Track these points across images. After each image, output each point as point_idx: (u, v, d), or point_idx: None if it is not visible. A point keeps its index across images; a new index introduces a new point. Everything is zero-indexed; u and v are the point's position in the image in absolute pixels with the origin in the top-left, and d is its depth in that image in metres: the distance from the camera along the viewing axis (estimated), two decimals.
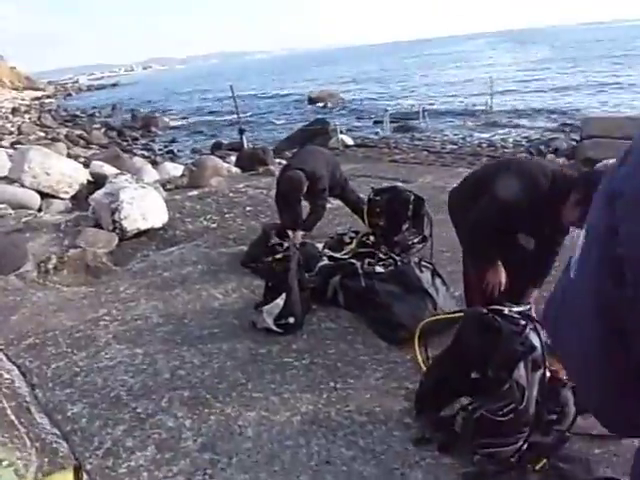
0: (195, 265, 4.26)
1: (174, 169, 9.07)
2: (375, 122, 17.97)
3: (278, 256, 3.05)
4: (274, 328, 3.04)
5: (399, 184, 4.08)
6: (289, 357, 2.87)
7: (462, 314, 2.33)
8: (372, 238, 3.97)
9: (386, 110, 13.38)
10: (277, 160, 10.66)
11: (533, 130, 13.85)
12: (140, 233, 4.93)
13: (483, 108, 16.69)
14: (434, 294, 3.04)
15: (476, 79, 27.71)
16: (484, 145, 11.58)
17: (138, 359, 2.95)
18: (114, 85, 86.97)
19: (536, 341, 2.10)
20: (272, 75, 63.42)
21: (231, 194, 6.63)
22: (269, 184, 7.19)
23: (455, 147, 11.67)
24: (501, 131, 14.10)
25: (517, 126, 14.61)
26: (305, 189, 4.11)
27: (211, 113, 29.77)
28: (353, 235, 4.38)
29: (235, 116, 12.08)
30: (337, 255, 3.70)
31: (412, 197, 3.94)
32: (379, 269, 3.35)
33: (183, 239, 4.93)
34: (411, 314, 2.94)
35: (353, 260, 3.39)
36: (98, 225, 4.97)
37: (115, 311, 3.56)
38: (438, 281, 3.16)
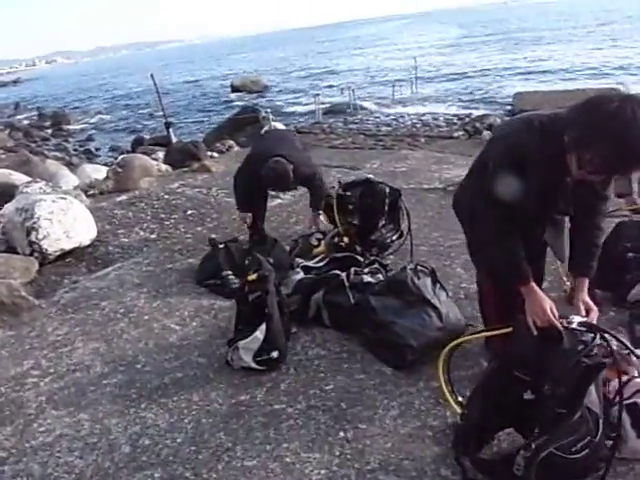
0: (139, 289, 3.54)
1: (95, 171, 8.03)
2: (302, 105, 17.41)
3: (252, 277, 2.45)
4: (254, 366, 2.45)
5: (370, 175, 3.58)
6: (280, 402, 2.30)
7: (510, 329, 1.87)
8: (345, 239, 3.45)
9: (317, 95, 12.85)
10: (209, 153, 9.87)
11: (461, 108, 13.87)
12: (65, 254, 4.09)
13: (409, 89, 16.56)
14: (437, 304, 2.57)
15: (398, 60, 27.80)
16: (418, 125, 11.35)
17: (84, 429, 2.25)
18: (15, 82, 79.79)
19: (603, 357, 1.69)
20: (189, 64, 60.63)
21: (167, 196, 5.85)
22: (208, 182, 6.47)
23: (390, 129, 11.38)
24: (430, 110, 13.99)
25: (445, 105, 14.59)
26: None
27: (127, 107, 27.83)
28: (320, 236, 3.85)
29: (156, 109, 11.07)
30: (312, 264, 3.15)
31: (387, 189, 3.45)
32: (367, 278, 2.84)
33: (119, 256, 4.15)
34: (416, 331, 2.45)
35: (337, 271, 2.85)
36: (11, 249, 4.08)
37: (45, 362, 2.79)
38: (437, 287, 2.69)
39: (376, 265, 2.97)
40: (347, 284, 2.76)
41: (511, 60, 24.30)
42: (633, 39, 26.57)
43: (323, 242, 3.76)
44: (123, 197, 5.91)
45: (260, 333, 2.40)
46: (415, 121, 11.96)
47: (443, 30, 55.71)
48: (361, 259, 3.13)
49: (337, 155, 8.11)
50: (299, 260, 3.19)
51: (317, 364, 2.55)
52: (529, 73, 19.07)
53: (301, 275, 2.95)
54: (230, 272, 3.35)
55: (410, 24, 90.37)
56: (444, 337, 2.53)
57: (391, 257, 3.63)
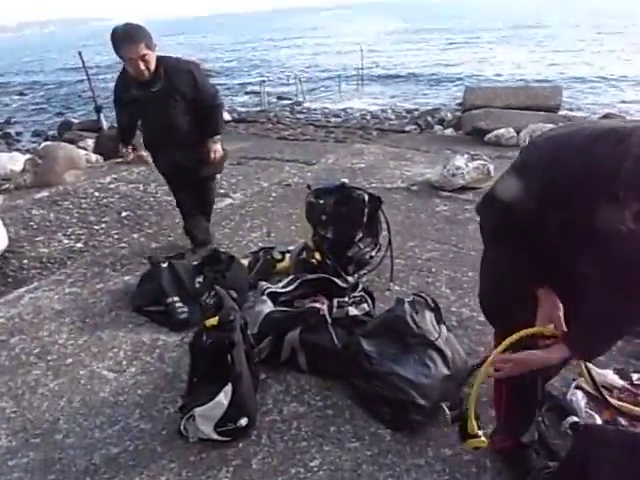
0: (60, 318, 2.80)
1: (11, 161, 6.89)
2: (246, 93, 16.52)
3: (212, 322, 1.83)
4: (216, 437, 1.85)
5: (345, 180, 3.03)
6: None
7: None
8: (317, 255, 2.88)
9: (263, 81, 12.08)
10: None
11: (410, 102, 13.57)
12: None
13: (355, 80, 16.09)
14: (442, 345, 2.08)
15: (343, 52, 27.29)
16: (368, 117, 10.92)
17: None
18: None
19: None
20: None
21: (97, 194, 5.02)
22: (145, 176, 5.66)
23: (339, 120, 10.86)
24: (378, 102, 13.60)
25: (393, 97, 14.25)
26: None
27: (54, 87, 25.54)
28: (284, 250, 3.26)
29: (86, 89, 9.92)
30: (280, 289, 2.56)
31: (366, 197, 2.90)
32: (353, 311, 2.30)
33: (36, 273, 3.35)
34: (422, 385, 1.95)
35: (316, 304, 2.27)
36: None
37: None
38: (439, 322, 2.20)
39: (360, 291, 2.43)
40: (329, 320, 2.20)
41: (461, 54, 24.39)
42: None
43: (288, 256, 3.18)
44: (44, 194, 5.03)
45: (224, 397, 1.79)
46: (364, 113, 11.51)
47: (387, 22, 55.72)
48: (340, 282, 2.58)
49: (288, 148, 7.49)
50: (263, 284, 2.59)
51: (296, 427, 1.98)
52: (479, 70, 19.15)
53: (269, 305, 2.36)
54: (177, 298, 2.70)
55: (352, 14, 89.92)
56: (451, 387, 2.04)
57: (367, 274, 3.11)
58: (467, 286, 3.13)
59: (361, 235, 2.93)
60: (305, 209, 2.94)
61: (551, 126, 7.72)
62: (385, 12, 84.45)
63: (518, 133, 7.68)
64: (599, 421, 1.97)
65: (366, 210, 2.88)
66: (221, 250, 3.16)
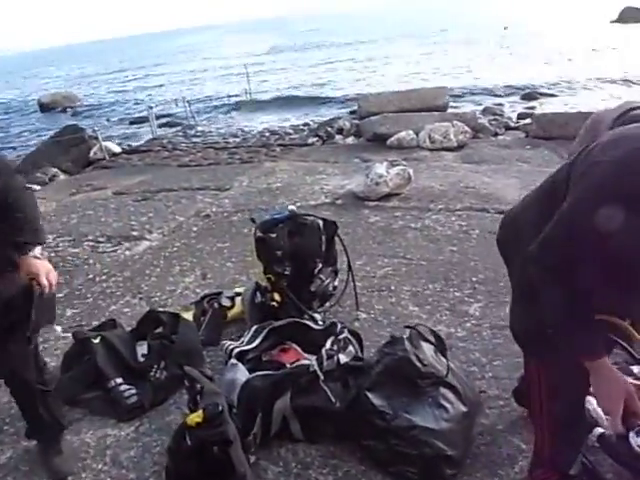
0: None
1: None
2: (131, 122, 15.48)
3: (195, 418, 1.41)
4: None
5: (292, 207, 2.69)
6: None
7: None
8: (276, 296, 2.52)
9: (150, 107, 11.27)
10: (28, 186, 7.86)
11: (305, 114, 13.50)
12: None
13: (243, 97, 15.73)
14: (452, 380, 1.83)
15: (226, 70, 26.75)
16: (267, 134, 10.64)
17: None
18: None
19: None
20: None
21: None
22: None
23: (239, 140, 10.46)
24: (273, 117, 13.36)
25: (287, 112, 14.10)
26: None
27: None
28: (231, 294, 2.85)
29: None
30: (246, 346, 2.16)
31: (321, 223, 2.60)
32: (343, 359, 1.97)
33: None
34: (445, 431, 1.68)
35: (305, 360, 1.92)
36: None
37: None
38: (438, 353, 1.95)
39: (343, 333, 2.11)
40: (322, 377, 1.86)
41: (349, 65, 24.87)
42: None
43: (238, 300, 2.78)
44: None
45: None
46: (262, 130, 11.20)
47: (261, 39, 55.95)
48: (313, 325, 2.25)
49: (194, 175, 6.96)
50: (227, 343, 2.17)
51: None
52: (364, 79, 19.65)
53: (242, 371, 1.95)
54: (120, 379, 2.19)
55: (226, 34, 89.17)
56: (471, 424, 1.81)
57: (332, 306, 2.80)
58: (432, 300, 2.95)
59: (321, 266, 2.62)
60: (255, 246, 2.57)
61: (447, 124, 8.00)
62: (257, 30, 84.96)
63: (417, 134, 7.86)
64: None
65: (323, 238, 2.58)
66: (158, 310, 2.67)
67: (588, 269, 1.09)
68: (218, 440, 1.37)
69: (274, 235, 2.49)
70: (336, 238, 2.70)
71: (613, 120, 2.46)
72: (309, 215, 2.64)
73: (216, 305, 2.72)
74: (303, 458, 1.83)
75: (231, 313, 2.73)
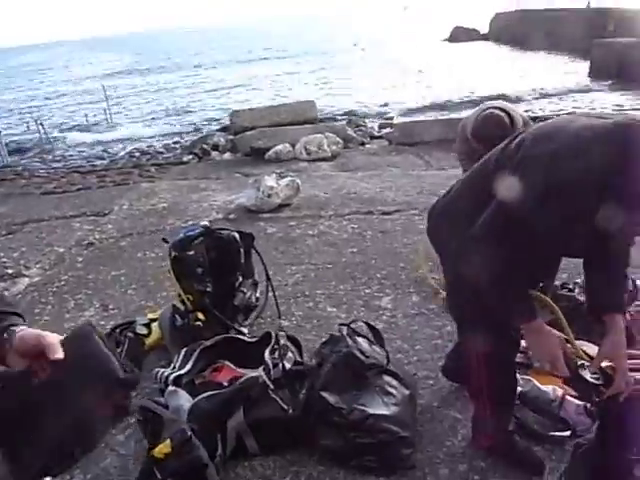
0: None
1: None
2: None
3: (164, 449, 1.30)
4: None
5: (206, 222, 2.60)
6: None
7: None
8: (200, 315, 2.43)
9: None
10: None
11: (175, 133, 13.03)
12: None
13: (102, 118, 14.72)
14: (392, 367, 1.94)
15: (80, 88, 24.68)
16: (137, 154, 10.11)
17: None
18: None
19: None
20: None
21: None
22: None
23: (106, 162, 9.78)
24: (140, 137, 12.69)
25: (154, 130, 13.48)
26: None
27: None
28: (146, 321, 2.68)
29: None
30: (179, 370, 2.04)
31: (237, 235, 2.57)
32: (287, 365, 1.97)
33: None
34: (399, 414, 1.78)
35: (254, 373, 1.87)
36: None
37: None
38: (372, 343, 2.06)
39: (282, 340, 2.11)
40: (271, 386, 1.84)
41: (214, 85, 24.39)
42: None
43: (155, 326, 2.62)
44: None
45: None
46: (130, 150, 10.58)
47: (117, 57, 52.63)
48: (246, 338, 2.22)
49: (64, 202, 6.34)
50: (160, 370, 2.04)
51: None
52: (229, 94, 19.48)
53: (184, 396, 1.85)
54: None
55: (76, 51, 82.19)
56: (414, 406, 1.94)
57: (256, 318, 2.77)
58: (346, 299, 3.07)
59: (241, 279, 2.59)
60: (171, 267, 2.44)
61: (320, 136, 8.34)
62: (104, 48, 79.95)
63: (293, 147, 8.08)
64: None
65: (242, 250, 2.55)
66: None
67: (521, 246, 1.25)
68: (195, 466, 1.30)
69: (191, 252, 2.40)
70: (253, 250, 2.68)
71: (475, 119, 2.81)
72: (224, 229, 2.59)
73: (131, 335, 2.53)
74: (263, 472, 1.79)
75: (149, 341, 2.56)
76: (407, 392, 1.89)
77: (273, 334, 2.17)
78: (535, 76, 17.72)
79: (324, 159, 7.75)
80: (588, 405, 1.76)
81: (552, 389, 1.87)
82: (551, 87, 15.73)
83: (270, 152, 8.08)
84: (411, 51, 30.91)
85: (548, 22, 25.33)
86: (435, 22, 48.40)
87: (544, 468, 1.67)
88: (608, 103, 13.53)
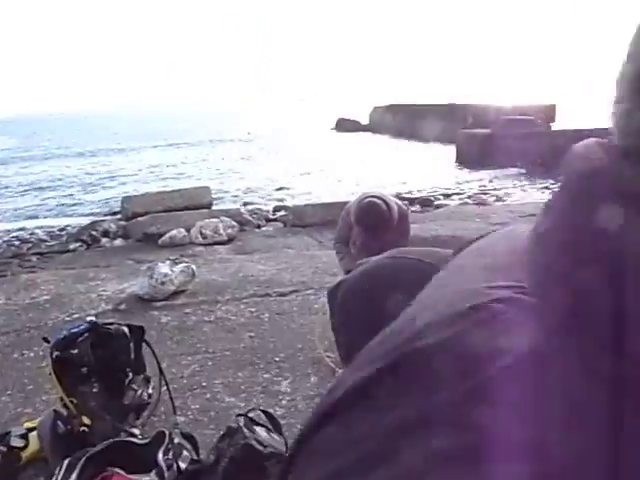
0: None
1: None
2: None
3: None
4: None
5: (92, 318, 2.45)
6: None
7: None
8: (85, 420, 2.24)
9: None
10: None
11: (61, 219, 12.28)
12: None
13: None
14: None
15: None
16: (17, 243, 9.36)
17: None
18: None
19: None
20: None
21: None
22: None
23: None
24: (20, 226, 11.76)
25: (36, 218, 12.59)
26: None
27: None
28: (23, 431, 2.40)
29: None
30: None
31: (126, 330, 2.47)
32: (182, 465, 1.87)
33: None
34: None
35: (146, 478, 1.73)
36: None
37: None
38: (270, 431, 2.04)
39: (176, 438, 2.01)
40: None
41: (93, 168, 23.57)
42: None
43: (33, 436, 2.36)
44: None
45: None
46: (8, 239, 9.74)
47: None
48: (137, 440, 2.08)
49: None
50: None
51: None
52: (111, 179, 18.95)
53: None
54: None
55: None
56: None
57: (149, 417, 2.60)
58: (245, 387, 3.02)
59: (132, 375, 2.46)
60: (52, 369, 2.26)
61: (216, 220, 8.42)
62: None
63: (188, 231, 8.05)
64: None
65: (132, 345, 2.45)
66: None
67: None
68: None
69: (75, 351, 2.25)
70: (145, 343, 2.58)
71: (358, 207, 3.12)
72: (112, 323, 2.49)
73: (4, 448, 2.25)
74: None
75: (26, 454, 2.28)
76: None
77: (167, 433, 2.06)
78: (414, 166, 19.66)
79: (220, 243, 7.79)
80: None
81: None
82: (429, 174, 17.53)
83: (164, 237, 7.96)
84: (303, 139, 33.05)
85: (415, 114, 28.78)
86: (323, 113, 52.50)
87: None
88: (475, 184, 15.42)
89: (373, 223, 2.74)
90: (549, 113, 23.30)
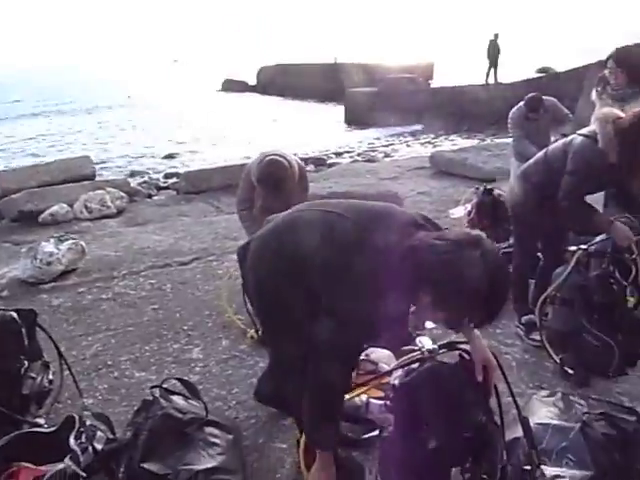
0: None
1: None
2: None
3: None
4: None
5: None
6: None
7: None
8: None
9: None
10: None
11: None
12: None
13: None
14: (212, 417, 1.94)
15: None
16: None
17: None
18: None
19: None
20: None
21: None
22: None
23: None
24: None
25: None
26: None
27: None
28: None
29: None
30: None
31: (15, 315, 2.24)
32: (99, 446, 1.79)
33: None
34: (227, 462, 1.78)
35: (60, 465, 1.62)
36: None
37: None
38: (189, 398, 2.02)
39: (88, 420, 1.91)
40: (83, 474, 1.65)
41: None
42: None
43: None
44: None
45: None
46: None
47: None
48: (43, 430, 1.95)
49: None
50: None
51: None
52: None
53: None
54: None
55: None
56: (241, 449, 1.97)
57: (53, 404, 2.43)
58: (155, 360, 2.93)
59: (27, 363, 2.27)
60: None
61: (102, 192, 7.81)
62: None
63: (72, 206, 7.39)
64: None
65: (23, 330, 2.25)
66: None
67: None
68: None
69: None
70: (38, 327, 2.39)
71: (258, 166, 3.11)
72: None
73: None
74: None
75: None
76: (231, 437, 1.91)
77: (76, 417, 1.95)
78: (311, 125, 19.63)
79: (109, 216, 7.27)
80: (387, 402, 2.01)
81: (358, 398, 2.09)
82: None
83: (45, 214, 7.22)
84: (188, 101, 31.37)
85: (302, 74, 28.64)
86: (206, 75, 49.99)
87: (364, 470, 1.85)
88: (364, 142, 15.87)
89: (276, 181, 2.72)
90: (428, 71, 24.44)
